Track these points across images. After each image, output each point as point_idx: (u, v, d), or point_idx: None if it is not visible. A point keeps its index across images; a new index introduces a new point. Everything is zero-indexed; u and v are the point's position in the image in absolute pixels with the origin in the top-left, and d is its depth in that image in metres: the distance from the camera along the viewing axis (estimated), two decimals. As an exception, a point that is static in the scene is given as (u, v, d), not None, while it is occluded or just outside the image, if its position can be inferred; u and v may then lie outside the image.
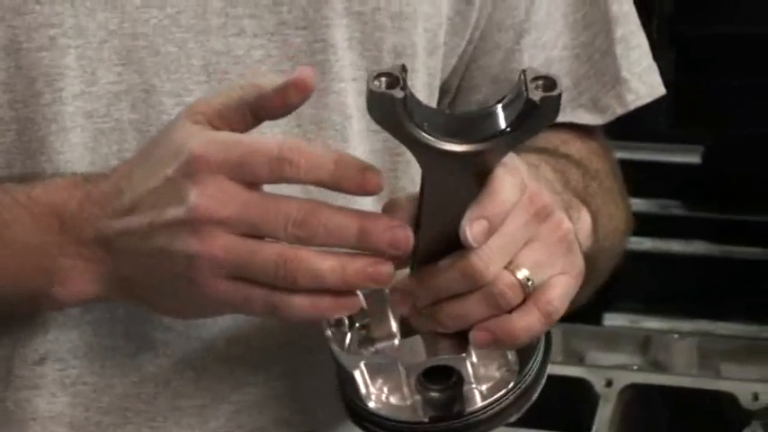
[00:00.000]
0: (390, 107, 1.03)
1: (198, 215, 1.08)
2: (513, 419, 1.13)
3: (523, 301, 1.09)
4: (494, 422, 1.14)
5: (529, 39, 1.34)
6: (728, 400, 2.30)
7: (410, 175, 1.29)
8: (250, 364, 1.25)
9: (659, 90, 1.38)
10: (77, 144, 1.21)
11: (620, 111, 1.36)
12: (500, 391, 1.13)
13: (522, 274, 1.09)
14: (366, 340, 1.16)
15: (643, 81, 1.38)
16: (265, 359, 1.26)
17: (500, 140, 1.04)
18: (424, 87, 1.30)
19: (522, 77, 1.02)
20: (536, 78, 1.03)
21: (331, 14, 1.25)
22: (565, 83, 1.28)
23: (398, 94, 1.02)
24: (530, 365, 1.14)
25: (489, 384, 1.13)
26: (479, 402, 1.13)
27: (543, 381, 1.14)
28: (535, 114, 1.03)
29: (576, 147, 1.34)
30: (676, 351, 2.40)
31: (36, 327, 1.22)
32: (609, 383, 2.28)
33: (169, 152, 1.11)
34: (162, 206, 1.10)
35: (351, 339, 1.16)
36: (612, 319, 2.41)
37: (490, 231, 1.06)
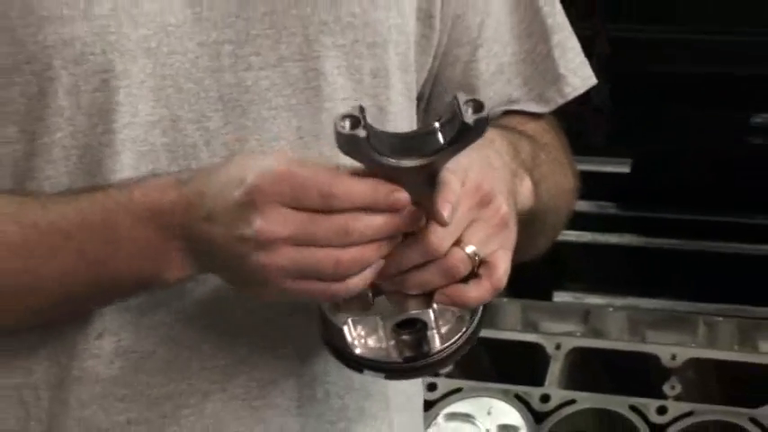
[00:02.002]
0: (356, 144, 1.05)
1: (263, 237, 1.09)
2: (461, 355, 1.15)
3: (474, 273, 1.12)
4: (449, 360, 1.15)
5: (482, 51, 1.33)
6: (652, 359, 2.27)
7: None
8: (263, 332, 1.23)
9: (591, 81, 1.37)
10: (126, 165, 1.19)
11: (561, 101, 1.35)
12: (455, 335, 1.14)
13: (469, 249, 1.11)
14: (346, 307, 1.15)
15: (577, 75, 1.36)
16: (274, 328, 1.23)
17: (442, 154, 1.07)
18: (401, 98, 1.29)
19: (456, 101, 1.05)
20: (467, 101, 1.05)
21: (320, 48, 1.23)
22: (516, 82, 1.33)
23: (361, 133, 1.04)
24: (476, 316, 1.15)
25: (446, 330, 1.14)
26: (439, 345, 1.13)
27: (482, 327, 1.15)
28: (469, 132, 1.05)
29: (529, 126, 1.32)
30: (611, 321, 2.38)
31: (94, 310, 1.21)
32: (558, 347, 2.26)
33: (236, 176, 1.12)
34: (235, 224, 1.10)
35: (331, 305, 1.16)
36: (560, 297, 2.39)
37: (453, 212, 1.09)
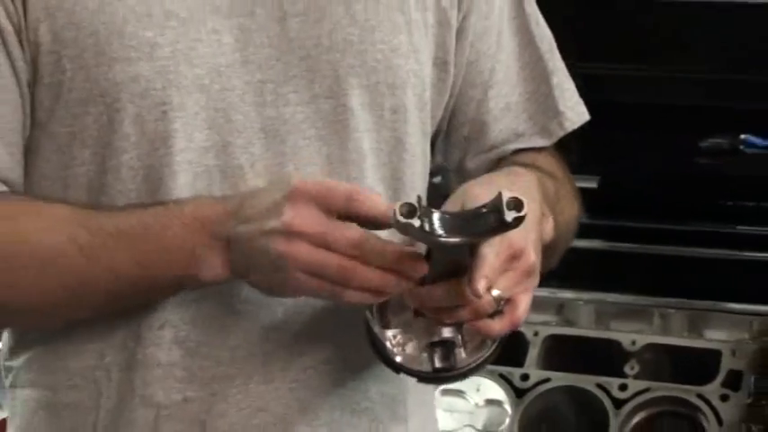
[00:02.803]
0: (411, 230, 1.06)
1: (289, 227, 1.10)
2: (479, 371, 1.19)
3: (499, 310, 1.13)
4: (470, 374, 1.18)
5: (493, 92, 1.33)
6: (615, 344, 2.28)
7: (407, 195, 1.27)
8: (301, 327, 1.24)
9: (585, 116, 1.37)
10: (183, 183, 1.20)
11: (561, 133, 1.35)
12: (477, 355, 1.17)
13: (496, 293, 1.12)
14: (390, 321, 1.17)
15: (574, 111, 1.36)
16: (310, 324, 1.24)
17: (483, 237, 1.09)
18: (417, 132, 1.29)
19: (500, 198, 1.06)
20: (510, 200, 1.06)
21: (348, 88, 1.24)
22: (522, 118, 1.33)
23: (416, 222, 1.05)
24: (496, 342, 1.17)
25: (470, 350, 1.17)
26: (463, 361, 1.17)
27: (499, 350, 1.18)
28: (507, 227, 1.07)
29: (543, 161, 1.32)
30: (580, 312, 2.36)
31: (157, 304, 1.22)
32: (536, 334, 2.27)
33: (280, 185, 1.14)
34: (266, 219, 1.12)
35: (377, 321, 1.18)
36: (539, 292, 2.31)
37: (487, 284, 1.10)
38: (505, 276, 1.13)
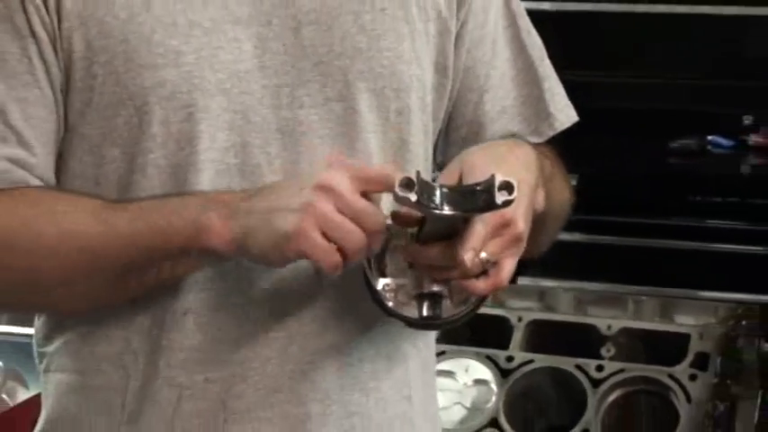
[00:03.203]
0: (407, 202, 1.08)
1: (326, 182, 1.11)
2: (461, 323, 1.19)
3: (486, 272, 1.14)
4: (453, 324, 1.19)
5: (488, 96, 1.32)
6: (592, 329, 2.28)
7: None
8: (312, 314, 1.23)
9: (574, 117, 1.36)
10: (205, 179, 1.20)
11: (551, 133, 1.33)
12: (461, 308, 1.18)
13: (483, 255, 1.13)
14: (386, 269, 1.18)
15: (563, 113, 1.34)
16: (320, 311, 1.24)
17: (473, 213, 1.10)
18: (419, 132, 1.28)
19: (493, 180, 1.08)
20: (501, 184, 1.08)
21: (357, 92, 1.23)
22: (516, 120, 1.32)
23: (412, 196, 1.07)
24: (477, 301, 1.18)
25: (455, 303, 1.17)
26: (448, 313, 1.17)
27: (481, 306, 1.19)
28: (498, 207, 1.09)
29: (539, 148, 1.30)
30: (561, 299, 2.37)
31: (179, 292, 1.21)
32: (520, 319, 2.27)
33: (314, 174, 1.14)
34: (298, 187, 1.13)
35: (374, 270, 1.18)
36: (523, 280, 2.39)
37: (476, 255, 1.11)
38: (493, 242, 1.14)
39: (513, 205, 1.10)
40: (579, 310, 2.38)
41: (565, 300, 2.37)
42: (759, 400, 2.24)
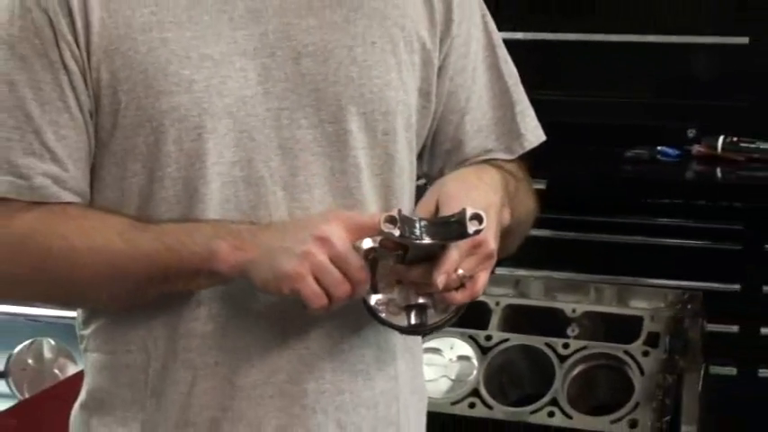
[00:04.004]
0: (391, 236, 1.10)
1: (324, 233, 1.12)
2: (444, 328, 1.20)
3: (463, 285, 1.14)
4: (437, 329, 1.19)
5: (468, 117, 1.31)
6: (559, 312, 2.29)
7: (396, 199, 1.26)
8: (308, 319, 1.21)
9: (542, 137, 1.35)
10: (214, 190, 1.19)
11: (521, 151, 1.32)
12: (442, 316, 1.18)
13: (460, 272, 1.13)
14: (378, 287, 1.18)
15: (533, 134, 1.33)
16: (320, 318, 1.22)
17: (449, 242, 1.12)
18: (404, 149, 1.27)
19: (464, 213, 1.10)
20: (472, 216, 1.10)
21: (348, 115, 1.22)
22: (491, 138, 1.31)
23: (396, 232, 1.09)
24: (458, 308, 1.18)
25: (438, 312, 1.17)
26: (432, 320, 1.17)
27: (461, 314, 1.19)
28: (470, 236, 1.10)
29: (508, 166, 1.30)
30: (533, 287, 2.36)
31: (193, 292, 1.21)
32: (497, 304, 2.26)
33: (314, 221, 1.15)
34: (301, 231, 1.13)
35: (368, 287, 1.17)
36: (500, 270, 2.33)
37: (448, 277, 1.12)
38: (469, 260, 1.14)
39: (487, 229, 1.11)
40: (548, 295, 2.38)
41: (536, 287, 2.37)
42: (702, 373, 2.28)
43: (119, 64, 1.17)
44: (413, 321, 1.16)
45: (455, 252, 1.12)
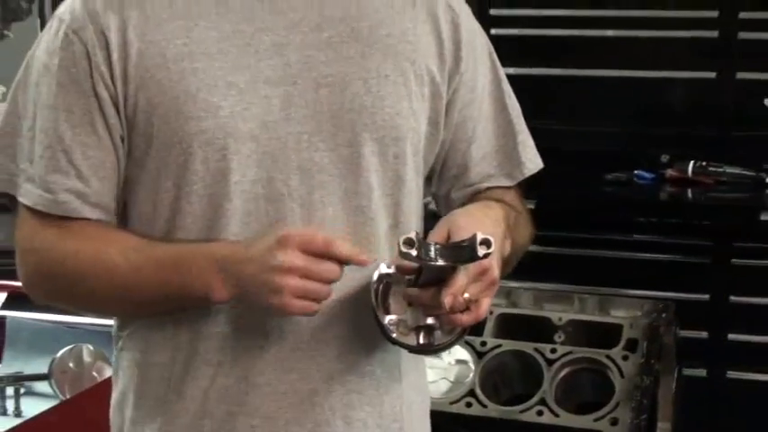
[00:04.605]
0: (409, 257, 1.09)
1: (286, 265, 1.13)
2: (450, 348, 1.21)
3: (468, 307, 1.14)
4: (444, 349, 1.19)
5: (474, 145, 1.30)
6: (547, 320, 2.30)
7: (404, 217, 1.26)
8: (327, 319, 1.21)
9: (540, 165, 1.34)
10: (237, 206, 1.19)
11: (521, 177, 1.32)
12: (449, 336, 1.17)
13: (466, 296, 1.13)
14: (390, 308, 1.18)
15: (532, 162, 1.33)
16: (336, 316, 1.22)
17: (460, 264, 1.11)
18: (412, 172, 1.26)
19: (475, 238, 1.09)
20: (482, 241, 1.09)
21: (362, 140, 1.22)
22: (493, 165, 1.30)
23: (413, 252, 1.08)
24: (462, 330, 1.18)
25: (445, 333, 1.17)
26: (439, 340, 1.17)
27: (466, 335, 1.18)
28: (480, 259, 1.10)
29: (509, 198, 1.31)
30: (523, 297, 2.37)
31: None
32: (491, 313, 2.26)
33: (273, 236, 1.14)
34: (266, 259, 1.13)
35: (381, 308, 1.18)
36: None
37: (456, 299, 1.12)
38: (474, 285, 1.13)
39: (490, 258, 1.11)
40: (537, 305, 2.39)
41: (526, 297, 2.38)
42: (676, 375, 2.31)
43: (153, 91, 1.19)
44: (421, 341, 1.16)
45: (463, 275, 1.12)
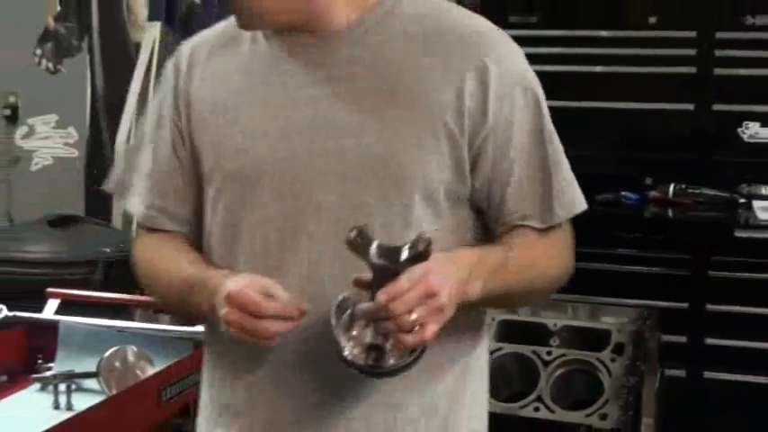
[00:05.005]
0: (352, 245, 1.08)
1: (224, 318, 1.16)
2: (401, 373, 1.12)
3: (413, 330, 1.09)
4: (394, 374, 1.12)
5: (510, 189, 1.23)
6: (543, 326, 2.30)
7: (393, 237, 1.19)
8: (315, 338, 1.19)
9: (572, 213, 1.26)
10: (256, 241, 1.23)
11: (551, 223, 1.24)
12: (398, 360, 1.11)
13: (413, 317, 1.09)
14: (351, 327, 1.12)
15: (564, 209, 1.25)
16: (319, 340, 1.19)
17: (402, 265, 1.08)
18: (422, 215, 1.21)
19: (420, 237, 1.08)
20: (424, 239, 1.07)
21: (369, 186, 1.20)
22: (530, 208, 1.23)
23: (358, 240, 1.07)
24: (415, 354, 1.11)
25: (395, 357, 1.11)
26: (389, 363, 1.11)
27: (419, 360, 1.11)
28: (421, 258, 1.08)
29: (532, 236, 1.24)
30: None
31: None
32: (493, 319, 2.25)
33: (225, 290, 1.16)
34: (216, 308, 1.17)
35: (341, 328, 1.12)
36: None
37: (389, 299, 1.08)
38: (420, 308, 1.09)
39: (439, 284, 1.09)
40: (534, 313, 2.39)
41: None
42: (658, 375, 2.35)
43: (204, 134, 1.27)
44: (370, 362, 1.10)
45: (405, 280, 1.09)
